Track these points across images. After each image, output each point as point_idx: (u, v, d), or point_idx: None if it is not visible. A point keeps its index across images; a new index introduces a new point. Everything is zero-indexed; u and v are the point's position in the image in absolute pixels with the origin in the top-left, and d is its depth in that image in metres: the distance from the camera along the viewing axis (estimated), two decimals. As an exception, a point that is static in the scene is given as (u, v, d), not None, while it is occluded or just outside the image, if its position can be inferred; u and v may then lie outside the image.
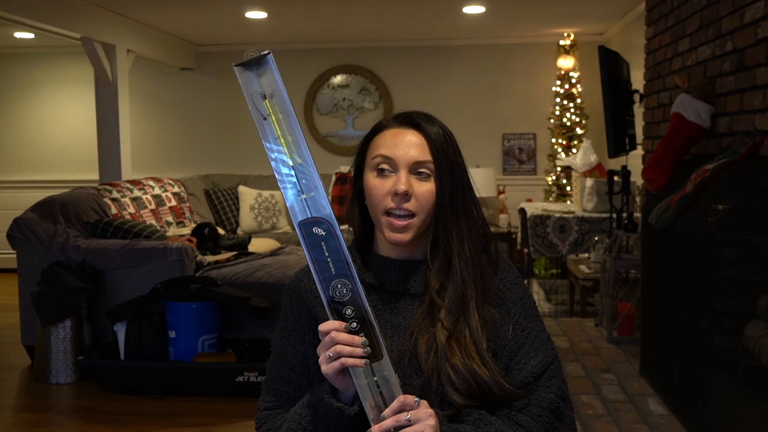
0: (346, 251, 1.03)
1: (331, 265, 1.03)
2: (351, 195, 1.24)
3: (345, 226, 1.25)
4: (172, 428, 3.11)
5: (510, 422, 1.12)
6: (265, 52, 1.02)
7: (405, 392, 1.07)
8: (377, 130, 1.21)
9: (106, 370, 3.58)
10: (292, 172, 1.03)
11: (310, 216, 1.03)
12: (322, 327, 1.05)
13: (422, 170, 1.15)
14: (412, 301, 1.19)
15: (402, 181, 1.13)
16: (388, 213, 1.14)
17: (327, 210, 1.03)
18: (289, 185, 1.03)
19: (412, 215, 1.14)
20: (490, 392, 1.10)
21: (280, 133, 1.03)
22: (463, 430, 1.08)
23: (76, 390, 3.60)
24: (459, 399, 1.09)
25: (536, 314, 1.22)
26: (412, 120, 1.19)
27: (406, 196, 1.13)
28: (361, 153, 1.22)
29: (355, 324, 1.03)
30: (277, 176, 1.03)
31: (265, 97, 1.02)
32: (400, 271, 1.20)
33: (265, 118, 1.03)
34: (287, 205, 1.03)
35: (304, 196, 1.03)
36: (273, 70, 1.02)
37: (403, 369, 1.12)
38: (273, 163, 1.03)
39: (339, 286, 1.03)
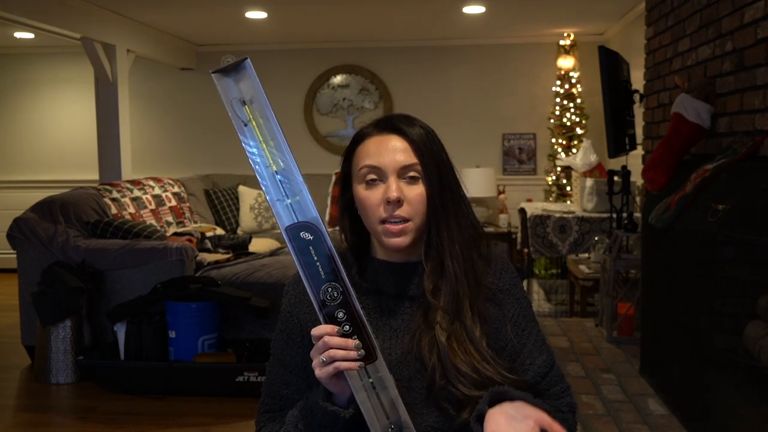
0: (335, 254, 1.03)
1: (320, 269, 1.02)
2: (341, 206, 1.23)
3: (333, 229, 1.25)
4: (172, 428, 3.11)
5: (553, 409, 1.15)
6: (243, 58, 1.01)
7: (410, 394, 1.07)
8: (359, 139, 1.20)
9: (106, 370, 3.58)
10: (276, 177, 1.03)
11: (296, 221, 1.02)
12: (315, 331, 1.04)
13: (411, 173, 1.14)
14: (410, 303, 1.19)
15: (393, 188, 1.12)
16: (382, 222, 1.14)
17: (313, 214, 1.02)
18: (273, 190, 1.03)
19: (406, 220, 1.14)
20: (494, 384, 1.10)
21: (261, 139, 1.02)
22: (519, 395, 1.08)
23: (76, 390, 3.60)
24: (466, 390, 1.09)
25: (533, 315, 1.23)
26: (392, 124, 1.18)
27: (399, 202, 1.13)
28: (347, 164, 1.21)
29: (347, 327, 1.03)
30: (260, 182, 1.03)
31: (244, 103, 1.02)
32: (397, 275, 1.20)
33: (245, 124, 1.02)
34: (273, 210, 1.03)
35: (289, 200, 1.03)
36: (251, 75, 1.01)
37: (408, 371, 1.13)
38: (256, 169, 1.03)
39: (330, 289, 1.03)
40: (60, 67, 6.84)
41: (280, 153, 1.02)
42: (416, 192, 1.14)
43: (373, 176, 1.15)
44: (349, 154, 1.21)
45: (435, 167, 1.15)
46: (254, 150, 1.02)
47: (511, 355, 1.16)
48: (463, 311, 1.14)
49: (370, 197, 1.14)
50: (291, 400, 1.21)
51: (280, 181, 1.02)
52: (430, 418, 1.12)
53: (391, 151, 1.15)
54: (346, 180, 1.21)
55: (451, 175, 1.18)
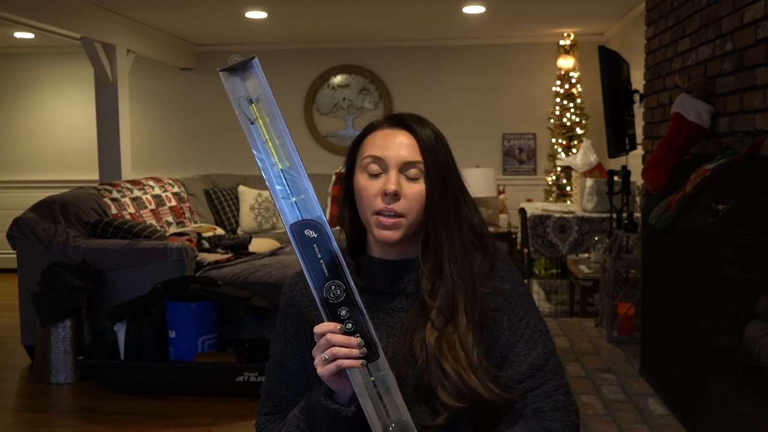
0: (339, 252, 1.03)
1: (324, 267, 1.03)
2: (342, 197, 1.24)
3: (336, 228, 1.24)
4: (172, 428, 3.11)
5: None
6: (250, 57, 1.02)
7: (402, 391, 1.06)
8: (368, 131, 1.21)
9: (106, 370, 3.58)
10: (281, 176, 1.03)
11: (300, 219, 1.03)
12: (318, 329, 1.04)
13: (412, 171, 1.15)
14: (407, 300, 1.18)
15: (392, 181, 1.13)
16: (377, 213, 1.14)
17: (318, 212, 1.03)
18: (278, 188, 1.03)
19: (400, 216, 1.14)
20: (479, 397, 1.08)
21: (267, 137, 1.03)
22: None
23: (76, 390, 3.60)
24: (450, 401, 1.08)
25: (532, 304, 1.21)
26: (403, 121, 1.18)
27: (396, 196, 1.13)
28: (352, 154, 1.22)
29: (350, 325, 1.03)
30: (266, 180, 1.04)
31: (251, 102, 1.03)
32: (392, 272, 1.20)
33: (252, 123, 1.03)
34: (278, 208, 1.04)
35: (293, 199, 1.03)
36: (259, 74, 1.02)
37: (399, 369, 1.12)
38: (262, 167, 1.03)
39: (333, 287, 1.03)
40: (60, 67, 6.84)
41: (285, 152, 1.03)
42: (415, 189, 1.14)
43: (375, 167, 1.15)
44: (356, 144, 1.22)
45: (438, 169, 1.16)
46: (260, 148, 1.03)
47: (506, 345, 1.14)
48: (457, 315, 1.13)
49: (369, 187, 1.15)
50: (291, 402, 1.21)
51: (285, 179, 1.03)
52: (419, 415, 1.11)
53: (397, 145, 1.15)
54: (350, 170, 1.22)
55: (455, 179, 1.18)
